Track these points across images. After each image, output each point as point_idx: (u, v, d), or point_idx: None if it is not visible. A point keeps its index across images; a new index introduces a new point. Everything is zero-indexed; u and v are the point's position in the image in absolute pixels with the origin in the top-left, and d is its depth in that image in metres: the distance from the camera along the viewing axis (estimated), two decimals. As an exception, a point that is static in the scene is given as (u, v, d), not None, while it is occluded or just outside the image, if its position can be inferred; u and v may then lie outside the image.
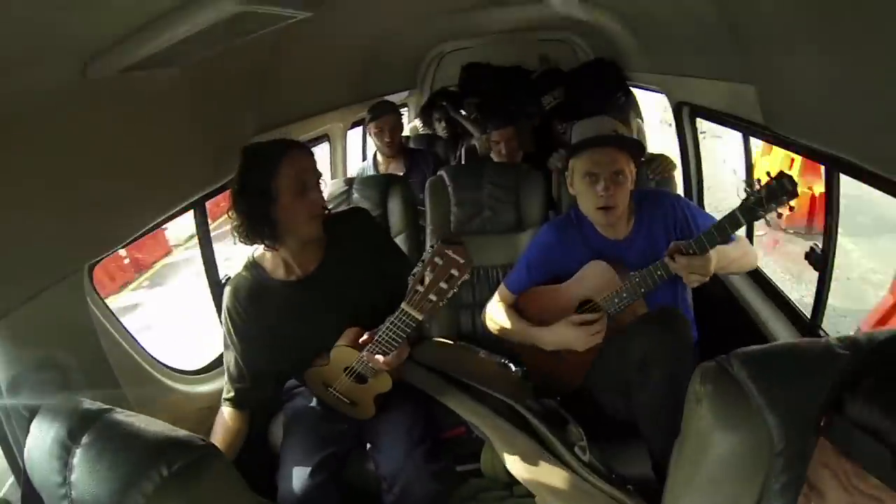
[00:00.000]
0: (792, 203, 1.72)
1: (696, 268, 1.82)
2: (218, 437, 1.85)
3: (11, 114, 1.06)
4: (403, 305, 1.60)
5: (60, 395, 1.22)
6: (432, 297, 1.55)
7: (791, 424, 0.86)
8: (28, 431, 1.15)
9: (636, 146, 2.05)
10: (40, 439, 1.08)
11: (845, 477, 0.66)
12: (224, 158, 2.08)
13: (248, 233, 1.74)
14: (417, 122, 5.15)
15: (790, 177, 1.70)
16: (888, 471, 0.61)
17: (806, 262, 2.06)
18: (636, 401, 1.77)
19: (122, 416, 1.08)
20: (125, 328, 1.79)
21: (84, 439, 1.02)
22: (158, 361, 1.97)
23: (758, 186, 1.73)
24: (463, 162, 4.06)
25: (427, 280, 1.54)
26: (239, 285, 1.86)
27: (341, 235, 1.88)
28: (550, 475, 1.75)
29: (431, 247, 1.55)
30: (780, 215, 1.75)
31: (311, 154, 1.81)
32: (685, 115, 3.03)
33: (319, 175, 1.80)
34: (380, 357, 1.72)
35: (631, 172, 1.99)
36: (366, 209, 2.07)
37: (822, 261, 2.00)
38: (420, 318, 1.61)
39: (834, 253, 1.98)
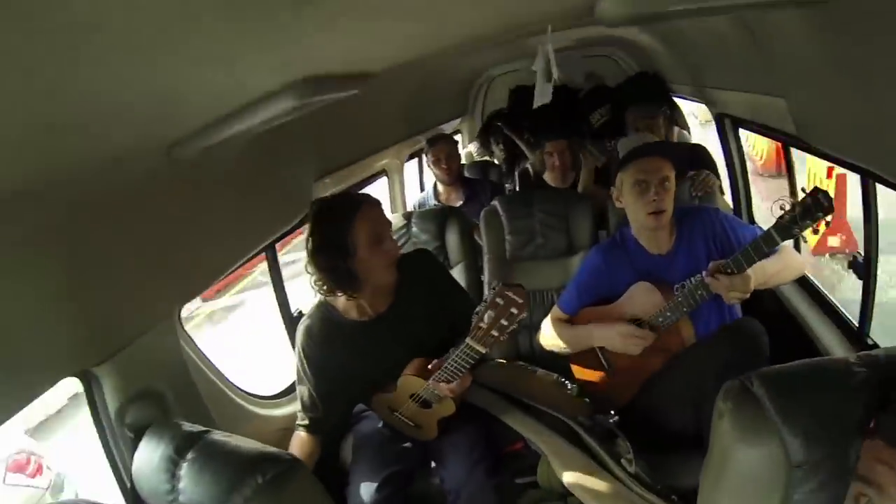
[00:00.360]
0: (828, 218, 1.73)
1: (736, 286, 1.87)
2: (295, 453, 1.99)
3: (111, 192, 1.28)
4: (468, 340, 1.72)
5: (160, 421, 1.45)
6: (494, 332, 1.68)
7: (809, 439, 0.90)
8: (133, 452, 1.38)
9: (677, 152, 2.15)
10: (149, 457, 1.29)
11: None
12: (290, 204, 2.30)
13: (330, 286, 1.86)
14: (473, 148, 5.19)
15: (825, 192, 1.72)
16: None
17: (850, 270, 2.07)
18: (709, 409, 1.83)
19: (220, 436, 1.28)
20: (210, 360, 2.01)
21: (189, 455, 1.22)
22: (239, 388, 2.17)
23: (791, 204, 1.76)
24: (517, 186, 4.14)
25: (489, 318, 1.68)
26: (312, 325, 1.98)
27: (409, 276, 1.97)
28: (600, 486, 1.83)
29: (493, 288, 1.68)
30: (815, 231, 1.76)
31: (380, 204, 1.91)
32: (728, 127, 3.04)
33: (390, 224, 1.91)
34: (444, 385, 1.84)
35: (674, 182, 2.08)
36: (429, 251, 2.21)
37: (864, 269, 2.00)
38: (483, 351, 1.73)
39: (876, 261, 1.98)
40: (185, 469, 1.22)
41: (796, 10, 1.35)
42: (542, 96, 2.04)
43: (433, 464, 2.12)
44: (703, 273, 1.95)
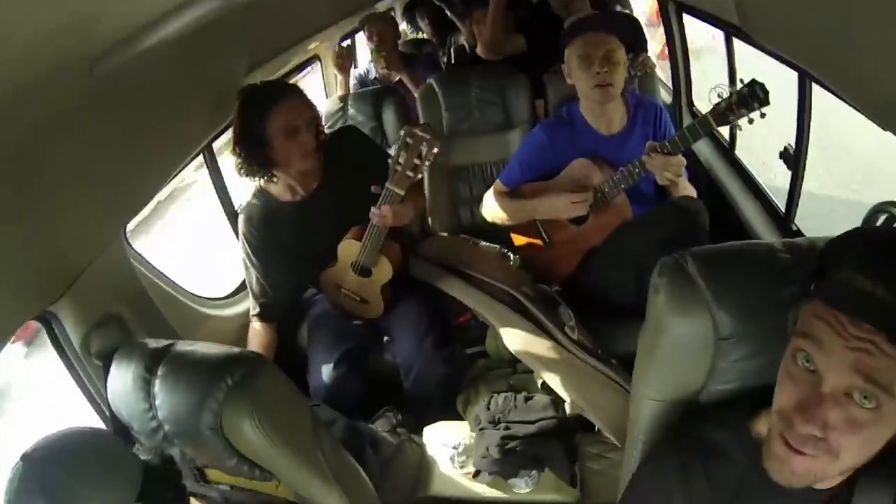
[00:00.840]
0: (763, 110, 1.79)
1: (670, 167, 1.95)
2: (254, 345, 2.09)
3: (38, 123, 1.19)
4: (388, 184, 1.87)
5: (126, 343, 1.46)
6: (409, 172, 1.84)
7: (734, 314, 0.98)
8: (104, 380, 1.39)
9: (625, 26, 2.13)
10: (121, 381, 1.31)
11: (839, 324, 0.74)
12: (224, 100, 2.18)
13: (248, 171, 1.95)
14: (405, 27, 5.02)
15: (762, 85, 1.76)
16: (877, 315, 0.71)
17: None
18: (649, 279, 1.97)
19: (185, 346, 1.31)
20: (161, 272, 2.00)
21: (160, 371, 1.25)
22: (193, 294, 2.18)
23: (730, 92, 1.80)
24: (452, 61, 4.04)
25: (403, 159, 1.82)
26: (251, 212, 2.08)
27: (336, 154, 2.07)
28: (546, 353, 1.98)
29: (402, 133, 1.80)
30: (751, 121, 1.81)
31: (302, 97, 1.96)
32: (672, 11, 3.00)
33: (310, 114, 1.97)
34: (386, 211, 1.94)
35: (623, 57, 2.08)
36: (354, 127, 2.29)
37: (794, 160, 2.11)
38: (401, 192, 1.88)
39: (806, 154, 2.08)
40: (157, 385, 1.25)
41: None
42: None
43: (385, 340, 2.25)
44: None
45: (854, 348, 0.73)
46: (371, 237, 2.01)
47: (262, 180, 2.04)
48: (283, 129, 1.91)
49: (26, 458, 1.07)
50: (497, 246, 2.49)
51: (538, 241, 2.34)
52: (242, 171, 1.98)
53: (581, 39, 2.07)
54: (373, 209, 1.95)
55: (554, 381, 1.91)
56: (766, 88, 1.77)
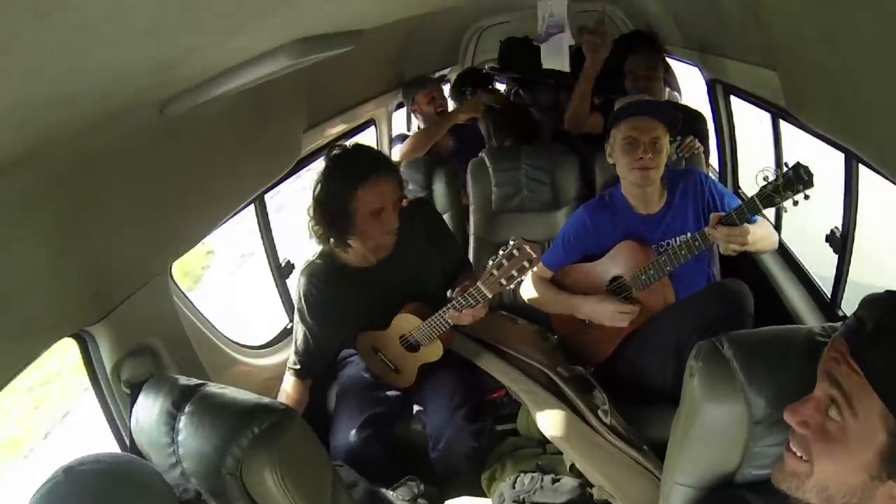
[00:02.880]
0: (808, 192, 1.78)
1: (734, 237, 1.90)
2: (285, 399, 2.08)
3: (104, 153, 1.28)
4: (479, 284, 1.84)
5: (157, 376, 1.49)
6: (503, 281, 1.81)
7: (769, 398, 0.97)
8: (130, 409, 1.42)
9: (672, 115, 2.14)
10: (147, 412, 1.33)
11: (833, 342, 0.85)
12: (279, 155, 2.30)
13: (322, 238, 1.94)
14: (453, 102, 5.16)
15: (807, 167, 1.76)
16: (849, 331, 0.84)
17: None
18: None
19: (215, 388, 1.32)
20: (200, 312, 2.04)
21: (186, 408, 1.27)
22: (229, 339, 2.22)
23: (775, 175, 1.80)
24: (488, 138, 4.11)
25: (504, 266, 1.79)
26: (315, 271, 2.05)
27: (409, 225, 2.01)
28: (576, 435, 1.92)
29: (513, 240, 1.79)
30: (796, 203, 1.80)
31: (393, 172, 1.93)
32: (719, 93, 3.05)
33: (396, 195, 1.93)
34: (468, 312, 1.91)
35: (667, 144, 2.10)
36: (428, 200, 2.27)
37: (841, 245, 2.06)
38: (489, 295, 1.86)
39: (853, 237, 2.04)
40: (183, 422, 1.26)
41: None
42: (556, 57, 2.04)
43: (416, 409, 2.21)
44: (689, 235, 2.03)
45: (832, 357, 0.84)
46: (436, 324, 2.00)
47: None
48: (369, 209, 1.87)
49: (69, 471, 1.05)
50: (535, 325, 2.47)
51: (578, 323, 2.30)
52: (317, 237, 1.95)
53: (629, 123, 2.11)
54: (453, 306, 1.92)
55: (583, 464, 1.86)
56: (810, 171, 1.76)
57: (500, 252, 1.80)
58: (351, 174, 1.85)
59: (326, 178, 1.89)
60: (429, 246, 2.09)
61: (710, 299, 1.98)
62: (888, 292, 0.81)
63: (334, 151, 1.92)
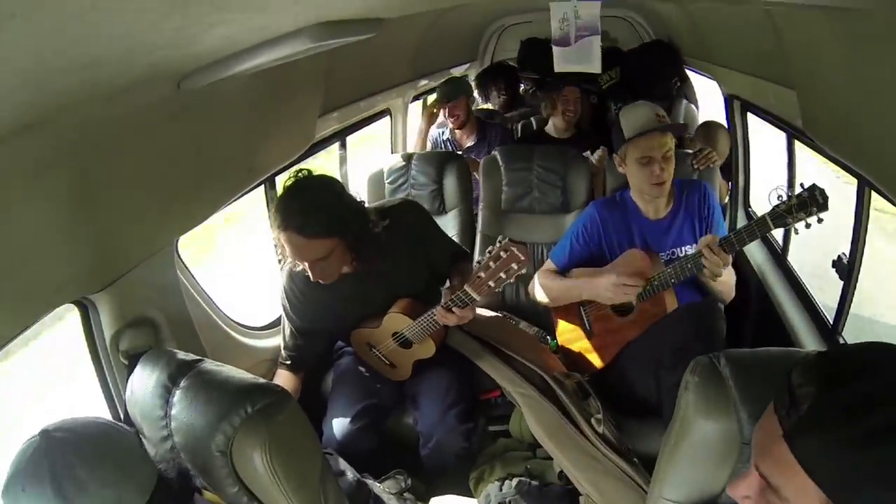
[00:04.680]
0: (822, 216, 1.77)
1: (723, 264, 1.92)
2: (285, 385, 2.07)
3: (119, 122, 1.29)
4: (466, 287, 1.82)
5: (155, 348, 1.49)
6: (491, 283, 1.78)
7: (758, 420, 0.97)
8: (126, 379, 1.42)
9: (672, 129, 2.17)
10: (142, 383, 1.33)
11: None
12: (292, 139, 2.29)
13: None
14: (476, 95, 5.15)
15: (822, 190, 1.75)
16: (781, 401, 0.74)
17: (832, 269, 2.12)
18: (664, 382, 1.92)
19: (212, 365, 1.33)
20: (203, 289, 2.05)
21: (183, 382, 1.27)
22: (230, 319, 2.22)
23: (789, 195, 1.79)
24: (518, 136, 4.10)
25: (490, 268, 1.77)
26: (295, 270, 1.97)
27: (394, 226, 1.96)
28: (567, 442, 1.92)
29: (500, 241, 1.76)
30: (808, 226, 1.79)
31: (300, 235, 1.75)
32: (736, 109, 3.03)
33: (323, 253, 1.79)
34: (456, 312, 1.89)
35: (674, 149, 2.14)
36: (418, 204, 2.21)
37: (847, 270, 2.05)
38: (477, 298, 1.83)
39: (860, 264, 2.02)
40: (177, 396, 1.26)
41: (823, 11, 1.33)
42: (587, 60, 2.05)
43: (408, 404, 2.22)
44: (692, 246, 2.05)
45: (762, 437, 0.77)
46: (426, 324, 2.00)
47: None
48: (290, 256, 1.83)
49: (45, 434, 1.06)
50: (536, 328, 2.48)
51: (580, 329, 2.30)
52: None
53: (643, 140, 2.12)
54: (440, 308, 1.91)
55: (572, 471, 1.86)
56: (825, 194, 1.75)
57: (487, 253, 1.78)
58: (276, 220, 1.76)
59: (274, 205, 1.80)
60: (414, 248, 2.06)
61: (679, 321, 1.99)
62: (819, 355, 0.74)
63: (290, 183, 1.81)
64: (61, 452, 1.04)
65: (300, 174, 1.81)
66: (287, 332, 2.13)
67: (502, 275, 1.77)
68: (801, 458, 0.69)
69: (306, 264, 1.81)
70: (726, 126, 3.19)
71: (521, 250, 1.75)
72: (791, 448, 0.70)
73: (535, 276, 2.40)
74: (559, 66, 2.38)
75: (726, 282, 2.11)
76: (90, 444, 1.08)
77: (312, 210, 1.74)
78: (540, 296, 2.36)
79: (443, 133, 3.84)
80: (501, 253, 1.76)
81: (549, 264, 2.37)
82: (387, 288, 2.05)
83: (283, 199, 1.77)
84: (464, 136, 3.72)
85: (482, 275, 1.79)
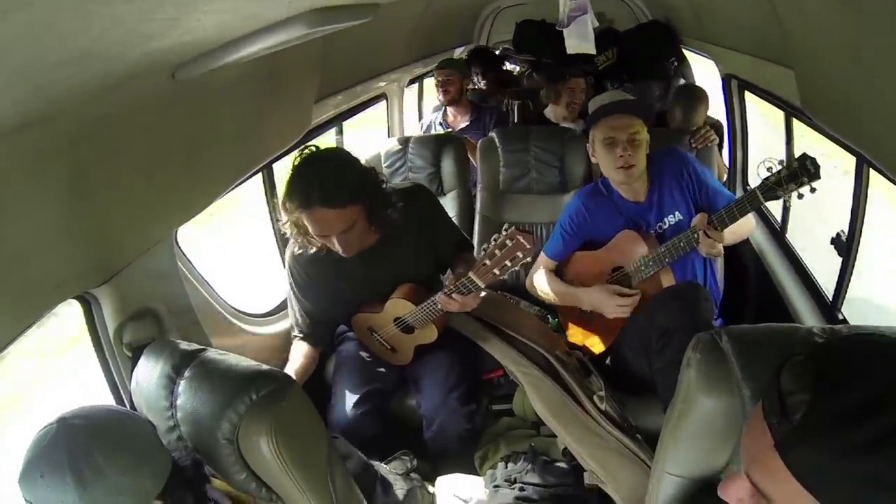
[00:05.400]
0: (814, 185, 1.76)
1: (717, 242, 1.95)
2: (296, 364, 2.08)
3: (115, 115, 1.28)
4: (471, 274, 1.81)
5: (158, 340, 1.50)
6: (496, 271, 1.76)
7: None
8: (130, 371, 1.43)
9: (645, 109, 2.16)
10: (147, 375, 1.34)
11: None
12: (289, 125, 2.28)
13: (294, 237, 1.91)
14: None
15: (813, 159, 1.74)
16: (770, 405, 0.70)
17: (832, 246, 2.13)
18: (655, 363, 1.93)
19: (216, 354, 1.34)
20: (204, 279, 2.05)
21: (186, 373, 1.28)
22: (232, 307, 2.22)
23: (779, 167, 1.78)
24: (515, 117, 4.10)
25: (496, 256, 1.76)
26: (303, 250, 1.97)
27: (405, 212, 1.95)
28: (571, 419, 1.93)
29: (506, 229, 1.75)
30: (801, 196, 1.78)
31: (337, 203, 1.76)
32: (733, 88, 3.02)
33: (346, 224, 1.79)
34: (457, 299, 1.90)
35: (646, 136, 2.12)
36: (428, 189, 2.21)
37: (846, 248, 2.05)
38: (482, 286, 1.83)
39: (858, 241, 2.03)
40: (182, 386, 1.27)
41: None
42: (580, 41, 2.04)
43: (411, 387, 2.23)
44: (681, 216, 2.07)
45: (751, 443, 0.73)
46: (428, 310, 2.00)
47: None
48: (315, 232, 1.82)
49: (63, 421, 1.06)
50: (537, 307, 2.49)
51: (580, 312, 2.32)
52: (290, 232, 1.91)
53: (605, 123, 2.12)
54: (443, 295, 1.91)
55: (576, 448, 1.87)
56: (816, 163, 1.74)
57: (493, 241, 1.77)
58: (296, 198, 1.77)
59: (287, 184, 1.80)
60: (422, 232, 2.06)
61: (664, 305, 1.98)
62: (808, 357, 0.70)
63: (299, 160, 1.81)
64: (79, 439, 1.04)
65: (306, 150, 1.81)
66: (295, 311, 2.13)
67: (507, 262, 1.75)
68: (795, 470, 0.66)
69: (334, 239, 1.81)
70: (706, 94, 3.18)
71: (528, 238, 1.72)
72: (784, 460, 0.67)
73: (534, 274, 2.41)
74: (573, 49, 2.37)
75: (736, 230, 2.08)
76: (107, 430, 1.08)
77: (333, 179, 1.74)
78: (537, 292, 2.39)
79: (437, 118, 3.84)
80: (507, 241, 1.73)
81: (545, 261, 2.38)
82: (392, 272, 2.05)
83: (297, 176, 1.76)
84: (457, 116, 3.72)
85: (487, 262, 1.77)
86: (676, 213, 2.17)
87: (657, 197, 2.19)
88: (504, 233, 1.74)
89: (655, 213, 2.19)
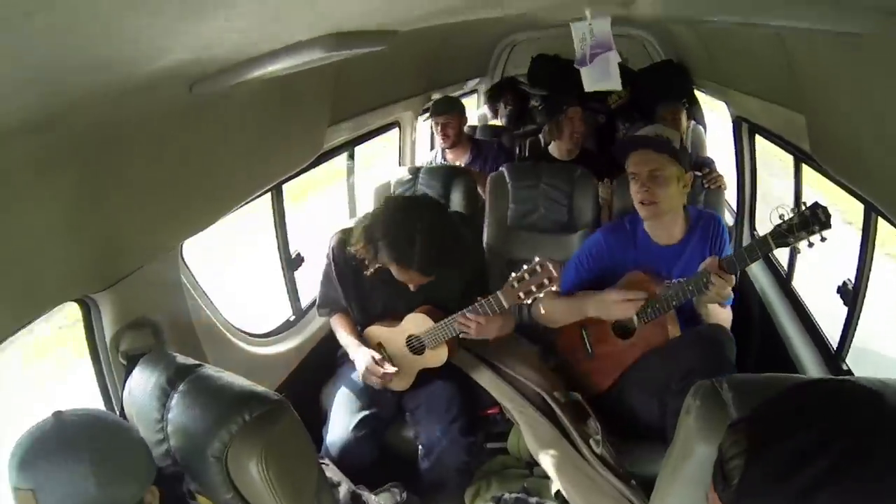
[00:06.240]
0: (825, 234, 1.74)
1: (725, 284, 1.90)
2: (347, 328, 2.21)
3: (128, 124, 1.30)
4: (498, 293, 1.89)
5: (155, 351, 1.49)
6: (521, 294, 1.86)
7: None
8: (124, 380, 1.42)
9: (666, 147, 2.09)
10: (141, 385, 1.33)
11: None
12: (302, 147, 2.30)
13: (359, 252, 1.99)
14: (486, 110, 5.19)
15: (824, 208, 1.72)
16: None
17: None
18: (672, 406, 1.88)
19: (212, 370, 1.32)
20: (206, 294, 2.04)
21: (181, 386, 1.27)
22: (233, 325, 2.22)
23: (791, 214, 1.77)
24: (526, 152, 4.10)
25: (525, 280, 1.85)
26: (342, 242, 2.11)
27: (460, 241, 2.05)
28: (565, 461, 1.91)
29: (538, 258, 1.85)
30: (811, 244, 1.77)
31: (434, 276, 1.97)
32: (744, 131, 3.04)
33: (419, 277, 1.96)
34: (480, 320, 1.95)
35: (675, 175, 2.06)
36: (466, 215, 2.30)
37: (852, 297, 2.03)
38: (506, 305, 1.90)
39: (865, 291, 2.01)
40: (175, 399, 1.26)
41: (834, 37, 1.34)
42: (604, 77, 2.08)
43: (408, 417, 2.21)
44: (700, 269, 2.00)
45: None
46: (447, 328, 2.02)
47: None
48: (399, 277, 1.97)
49: (59, 414, 1.06)
50: (537, 347, 2.46)
51: (580, 350, 2.29)
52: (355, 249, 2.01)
53: (631, 158, 2.12)
54: (468, 313, 1.96)
55: (569, 491, 1.85)
56: (828, 212, 1.72)
57: (524, 267, 1.85)
58: (402, 257, 1.89)
59: (386, 232, 1.90)
60: (461, 263, 2.09)
61: (689, 346, 1.96)
62: (744, 419, 0.74)
63: (394, 200, 2.03)
64: (82, 425, 1.06)
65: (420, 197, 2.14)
66: (321, 290, 2.22)
67: (533, 288, 1.85)
68: None
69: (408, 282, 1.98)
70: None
71: (556, 267, 1.84)
72: None
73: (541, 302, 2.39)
74: (589, 86, 2.41)
75: (723, 316, 2.09)
76: (104, 421, 1.10)
77: (437, 248, 1.91)
78: (543, 316, 2.34)
79: (435, 157, 3.82)
80: (537, 268, 1.85)
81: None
82: (425, 294, 2.09)
83: (401, 225, 1.89)
84: (456, 156, 3.68)
85: (515, 285, 1.87)
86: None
87: (688, 252, 2.15)
88: (536, 259, 1.85)
89: (681, 265, 2.14)
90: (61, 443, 1.02)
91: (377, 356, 2.09)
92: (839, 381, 0.73)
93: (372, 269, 2.03)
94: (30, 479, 1.01)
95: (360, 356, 2.11)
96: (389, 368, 2.08)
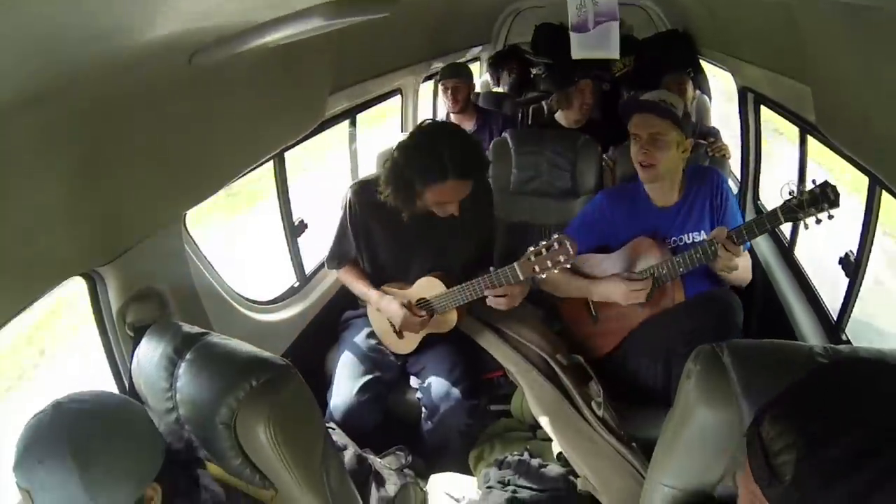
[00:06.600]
0: (832, 212, 1.77)
1: (734, 258, 1.93)
2: (360, 278, 2.21)
3: (129, 95, 1.29)
4: (515, 264, 1.90)
5: (161, 321, 1.50)
6: (537, 268, 1.87)
7: None
8: (132, 352, 1.43)
9: (669, 114, 2.09)
10: (148, 356, 1.34)
11: None
12: (303, 115, 2.28)
13: (391, 196, 1.97)
14: (488, 77, 5.16)
15: (834, 187, 1.74)
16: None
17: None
18: (676, 371, 1.92)
19: (218, 338, 1.34)
20: (210, 264, 2.05)
21: (188, 355, 1.28)
22: (237, 293, 2.23)
23: (802, 190, 1.79)
24: (529, 121, 4.07)
25: (542, 255, 1.86)
26: (364, 189, 2.10)
27: (473, 199, 2.03)
28: (567, 424, 1.94)
29: (557, 234, 1.85)
30: (818, 221, 1.79)
31: (472, 175, 1.93)
32: (749, 102, 3.01)
33: (467, 192, 1.95)
34: (498, 291, 1.97)
35: (676, 140, 2.08)
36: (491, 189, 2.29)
37: (854, 268, 2.04)
38: (521, 277, 1.92)
39: (867, 263, 2.02)
40: (183, 368, 1.28)
41: (842, 7, 1.32)
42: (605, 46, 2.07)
43: (412, 379, 2.24)
44: (704, 237, 2.05)
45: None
46: (461, 294, 2.03)
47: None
48: (434, 199, 1.94)
49: (57, 406, 1.07)
50: (541, 310, 2.47)
51: (584, 313, 2.31)
52: (386, 192, 1.99)
53: (633, 119, 2.13)
54: (484, 279, 1.96)
55: (570, 453, 1.88)
56: (837, 191, 1.74)
57: (543, 241, 1.86)
58: (434, 171, 1.88)
59: (412, 155, 1.91)
60: (475, 224, 2.13)
61: (697, 309, 1.99)
62: (788, 407, 0.73)
63: (426, 130, 1.98)
64: (76, 423, 1.05)
65: (426, 124, 2.03)
66: (335, 240, 2.22)
67: (549, 263, 1.86)
68: None
69: (455, 202, 1.96)
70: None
71: (573, 246, 1.84)
72: None
73: None
74: (577, 53, 2.37)
75: (740, 269, 2.08)
76: (103, 415, 1.10)
77: (465, 152, 1.92)
78: (549, 285, 2.36)
79: None
80: (556, 244, 1.84)
81: None
82: (437, 245, 2.11)
83: (427, 150, 1.89)
84: (461, 122, 3.67)
85: (532, 258, 1.87)
86: (702, 231, 2.15)
87: (686, 209, 2.18)
88: (555, 236, 1.85)
89: (679, 223, 2.17)
90: (55, 444, 1.02)
91: (411, 302, 2.12)
92: (874, 364, 0.73)
93: (406, 215, 2.01)
94: (26, 480, 1.03)
95: (392, 306, 2.11)
96: (423, 314, 2.11)
